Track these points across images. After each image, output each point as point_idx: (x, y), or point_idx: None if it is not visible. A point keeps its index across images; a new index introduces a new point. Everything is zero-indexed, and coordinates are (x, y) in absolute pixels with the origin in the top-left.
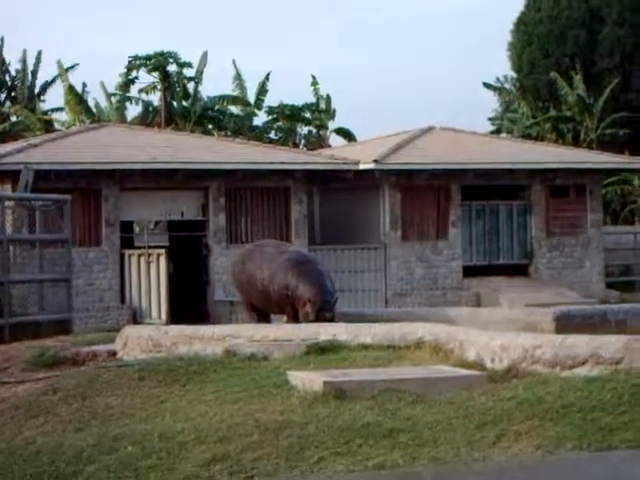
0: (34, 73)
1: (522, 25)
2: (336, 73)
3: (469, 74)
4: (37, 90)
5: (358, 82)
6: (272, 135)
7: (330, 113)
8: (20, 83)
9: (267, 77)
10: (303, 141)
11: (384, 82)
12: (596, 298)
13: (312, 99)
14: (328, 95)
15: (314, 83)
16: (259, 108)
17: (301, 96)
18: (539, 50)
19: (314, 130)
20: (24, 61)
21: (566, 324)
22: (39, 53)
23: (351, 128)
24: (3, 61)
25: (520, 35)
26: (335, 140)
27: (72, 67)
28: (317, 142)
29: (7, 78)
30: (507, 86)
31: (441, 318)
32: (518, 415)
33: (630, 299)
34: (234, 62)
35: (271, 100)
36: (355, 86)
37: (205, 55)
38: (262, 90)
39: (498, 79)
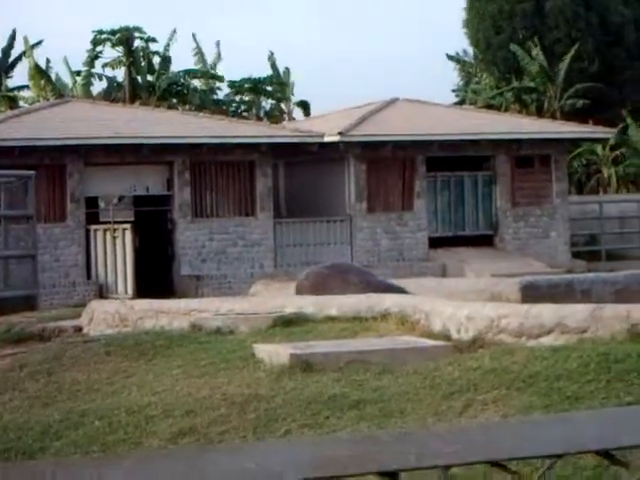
0: (5, 51)
1: (475, 2)
2: (295, 46)
3: (432, 46)
4: (8, 67)
5: (317, 55)
6: (236, 109)
7: (290, 86)
8: None
9: (218, 44)
10: (266, 114)
11: (344, 55)
12: (562, 268)
13: (270, 72)
14: (287, 68)
15: (271, 57)
16: (220, 80)
17: (262, 71)
18: (492, 27)
19: (276, 103)
20: None
21: (532, 294)
22: (14, 31)
23: (311, 101)
24: None
25: (474, 12)
26: (297, 113)
27: (38, 43)
28: (280, 115)
29: None
30: (467, 60)
31: None
32: (484, 385)
33: (596, 268)
34: (194, 36)
35: (232, 75)
36: (314, 59)
37: (174, 31)
38: (217, 58)
39: (458, 53)
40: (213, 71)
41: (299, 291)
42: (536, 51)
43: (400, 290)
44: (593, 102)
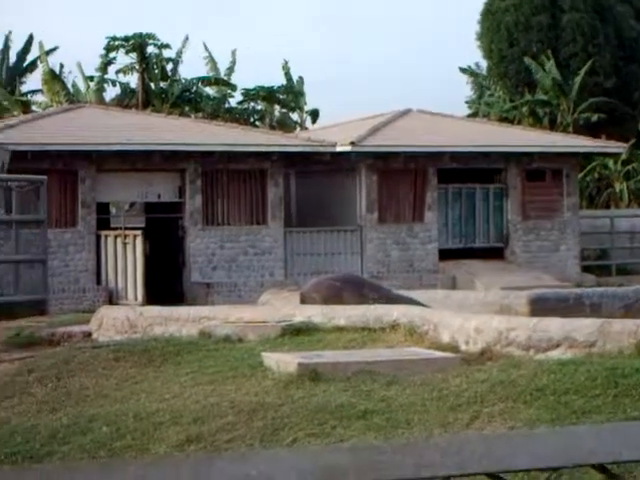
0: (20, 56)
1: (490, 14)
2: (307, 54)
3: (445, 59)
4: (22, 72)
5: (329, 64)
6: (248, 117)
7: (304, 95)
8: (0, 64)
9: (233, 53)
10: (277, 123)
11: (357, 65)
12: (571, 282)
13: (283, 81)
14: (301, 77)
15: (285, 66)
16: (233, 89)
17: (273, 79)
18: (507, 40)
19: (289, 112)
20: (6, 43)
21: (541, 307)
22: (30, 36)
23: (322, 110)
24: None
25: (489, 24)
26: (309, 122)
27: (53, 50)
28: (293, 124)
29: None
30: (481, 72)
31: None
32: (492, 397)
33: (605, 283)
34: (205, 45)
35: (245, 83)
36: (326, 68)
37: (186, 38)
38: (231, 67)
39: (469, 67)
40: (226, 78)
41: (307, 304)
42: (549, 64)
43: (420, 305)
44: (606, 117)
